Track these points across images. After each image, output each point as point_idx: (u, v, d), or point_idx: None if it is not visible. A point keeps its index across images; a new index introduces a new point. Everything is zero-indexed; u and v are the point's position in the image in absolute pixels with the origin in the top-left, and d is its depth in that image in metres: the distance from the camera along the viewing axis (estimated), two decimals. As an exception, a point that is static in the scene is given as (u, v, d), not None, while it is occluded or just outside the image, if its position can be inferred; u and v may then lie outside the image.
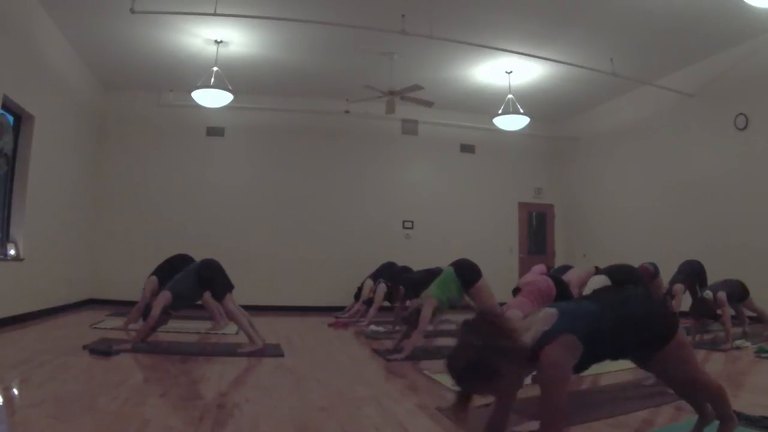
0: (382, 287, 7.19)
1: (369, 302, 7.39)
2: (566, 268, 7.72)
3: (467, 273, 4.77)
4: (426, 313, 4.44)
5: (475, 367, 1.66)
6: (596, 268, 6.67)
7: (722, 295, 4.95)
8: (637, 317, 1.95)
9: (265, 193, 9.38)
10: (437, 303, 4.52)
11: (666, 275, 6.24)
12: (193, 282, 4.67)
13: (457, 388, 1.76)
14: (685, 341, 2.02)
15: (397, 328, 5.82)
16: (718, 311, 4.94)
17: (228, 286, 4.73)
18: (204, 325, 6.16)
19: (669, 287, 5.92)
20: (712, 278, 5.81)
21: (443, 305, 4.60)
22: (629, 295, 2.11)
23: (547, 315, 1.87)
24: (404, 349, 4.42)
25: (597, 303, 1.99)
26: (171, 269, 5.23)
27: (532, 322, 1.88)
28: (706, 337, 5.40)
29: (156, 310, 4.42)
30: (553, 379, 1.75)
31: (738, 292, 5.38)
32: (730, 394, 2.38)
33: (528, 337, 1.80)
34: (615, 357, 2.02)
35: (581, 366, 1.88)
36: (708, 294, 4.98)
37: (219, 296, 4.73)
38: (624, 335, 1.92)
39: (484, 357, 1.66)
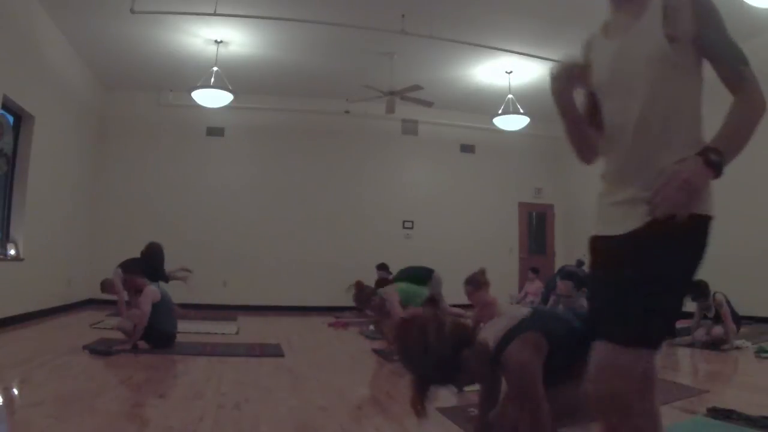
0: None
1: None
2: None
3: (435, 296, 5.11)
4: (393, 300, 4.57)
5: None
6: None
7: (720, 296, 5.04)
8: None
9: (265, 193, 9.38)
10: (399, 297, 4.66)
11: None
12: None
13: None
14: None
15: None
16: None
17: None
18: (204, 326, 6.16)
19: None
20: (710, 277, 5.81)
21: (403, 302, 4.74)
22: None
23: (516, 314, 1.87)
24: None
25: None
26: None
27: (500, 320, 1.90)
28: (706, 337, 5.41)
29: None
30: (521, 380, 1.71)
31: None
32: (731, 394, 2.37)
33: (491, 336, 1.82)
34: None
35: (552, 372, 1.76)
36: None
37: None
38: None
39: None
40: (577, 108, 1.50)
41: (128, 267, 4.84)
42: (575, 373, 1.57)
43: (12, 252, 5.93)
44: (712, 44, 1.26)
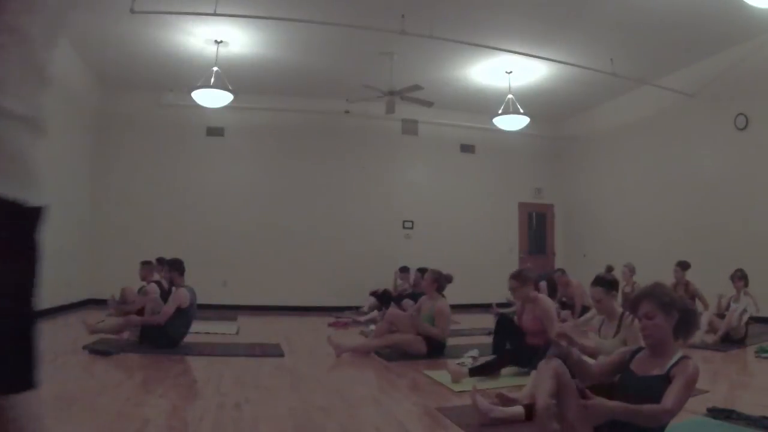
0: None
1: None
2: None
3: None
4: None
5: None
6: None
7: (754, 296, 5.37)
8: None
9: (264, 193, 9.38)
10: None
11: (665, 275, 6.28)
12: None
13: None
14: None
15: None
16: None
17: None
18: (204, 326, 6.16)
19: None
20: (711, 277, 5.83)
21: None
22: None
23: None
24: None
25: None
26: None
27: None
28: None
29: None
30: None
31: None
32: (731, 394, 2.36)
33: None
34: None
35: None
36: None
37: None
38: None
39: None
40: None
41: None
42: None
43: (12, 252, 5.92)
44: None
